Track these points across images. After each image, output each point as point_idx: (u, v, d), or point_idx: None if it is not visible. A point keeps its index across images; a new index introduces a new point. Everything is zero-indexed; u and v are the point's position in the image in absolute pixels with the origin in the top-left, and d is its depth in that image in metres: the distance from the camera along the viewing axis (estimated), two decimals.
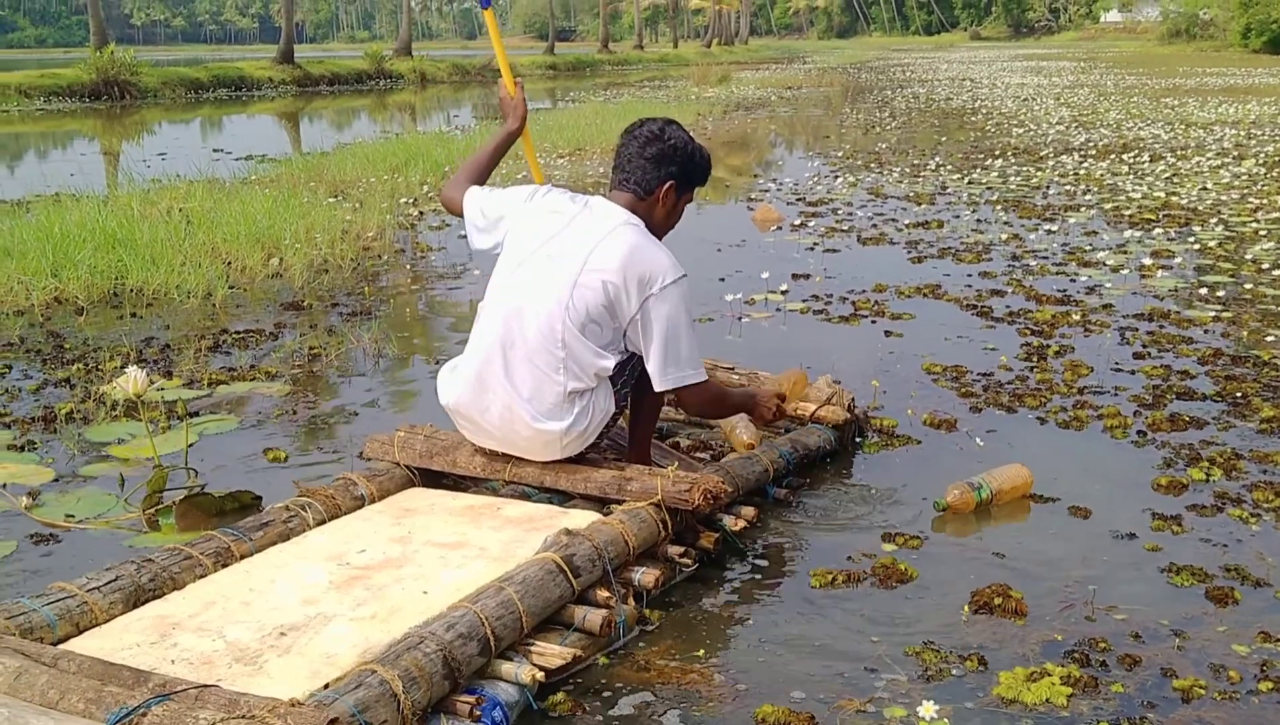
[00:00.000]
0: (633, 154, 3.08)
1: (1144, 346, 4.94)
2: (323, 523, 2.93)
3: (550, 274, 2.94)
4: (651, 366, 2.98)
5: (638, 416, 3.22)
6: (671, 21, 77.55)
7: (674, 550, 2.88)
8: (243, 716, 1.91)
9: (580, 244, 2.95)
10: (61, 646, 2.26)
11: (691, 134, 3.18)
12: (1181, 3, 66.86)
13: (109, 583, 2.45)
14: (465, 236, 7.64)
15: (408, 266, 7.01)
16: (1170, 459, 3.65)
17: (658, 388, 3.00)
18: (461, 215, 3.30)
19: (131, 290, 6.04)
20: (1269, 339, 5.00)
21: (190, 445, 3.80)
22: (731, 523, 3.07)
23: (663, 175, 3.07)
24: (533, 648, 2.41)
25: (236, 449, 3.87)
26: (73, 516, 3.29)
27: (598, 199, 3.07)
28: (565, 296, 2.91)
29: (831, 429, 3.74)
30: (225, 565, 2.67)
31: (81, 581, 2.44)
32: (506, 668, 2.32)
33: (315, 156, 12.09)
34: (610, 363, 2.98)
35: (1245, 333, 5.15)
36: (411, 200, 9.33)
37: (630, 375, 3.08)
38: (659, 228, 3.11)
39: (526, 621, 2.40)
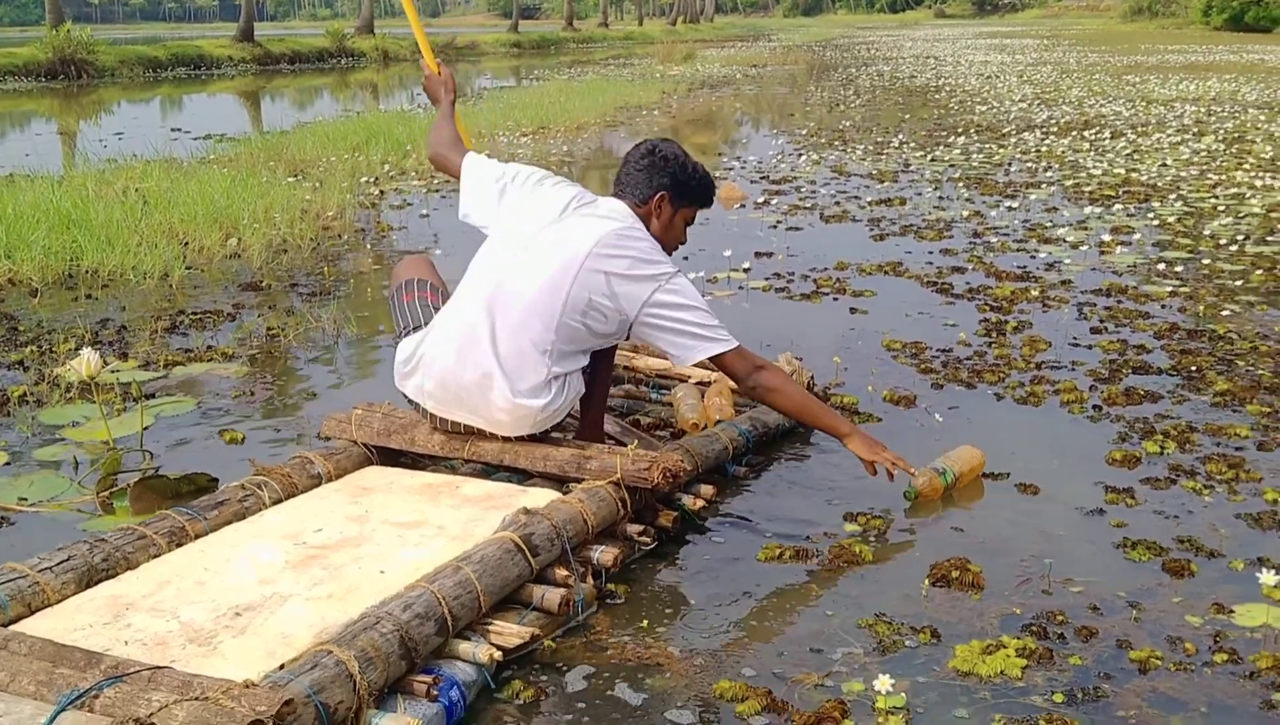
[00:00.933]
0: (629, 168, 3.17)
1: (1101, 322, 4.98)
2: (279, 502, 2.90)
3: (552, 259, 2.95)
4: (675, 355, 3.04)
5: (590, 395, 3.21)
6: None
7: (633, 529, 2.87)
8: (196, 698, 1.89)
9: (586, 235, 2.97)
10: (12, 628, 2.23)
11: (687, 152, 3.22)
12: None
13: (61, 563, 2.42)
14: (427, 216, 7.68)
15: (368, 246, 6.96)
16: (1125, 433, 3.68)
17: (684, 365, 3.09)
18: (454, 175, 3.37)
19: (87, 271, 5.96)
20: (1225, 313, 5.06)
21: (146, 427, 3.76)
22: (690, 502, 3.06)
23: (655, 186, 3.12)
24: (491, 627, 2.40)
25: (193, 431, 3.83)
26: (25, 499, 3.25)
27: (605, 197, 3.14)
28: (567, 283, 2.93)
29: None
30: (179, 544, 2.64)
31: (33, 561, 2.41)
32: (464, 647, 2.31)
33: (275, 136, 11.97)
34: (602, 347, 3.06)
35: (1202, 307, 5.19)
36: (372, 179, 9.25)
37: (594, 357, 3.11)
38: (658, 242, 3.13)
39: (484, 601, 2.38)
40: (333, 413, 3.31)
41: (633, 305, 2.96)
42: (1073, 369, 4.33)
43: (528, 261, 2.98)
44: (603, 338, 3.04)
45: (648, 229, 3.11)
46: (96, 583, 2.45)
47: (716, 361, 3.03)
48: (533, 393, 2.94)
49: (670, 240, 3.19)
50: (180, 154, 10.46)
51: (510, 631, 2.39)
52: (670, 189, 3.13)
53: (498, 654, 2.32)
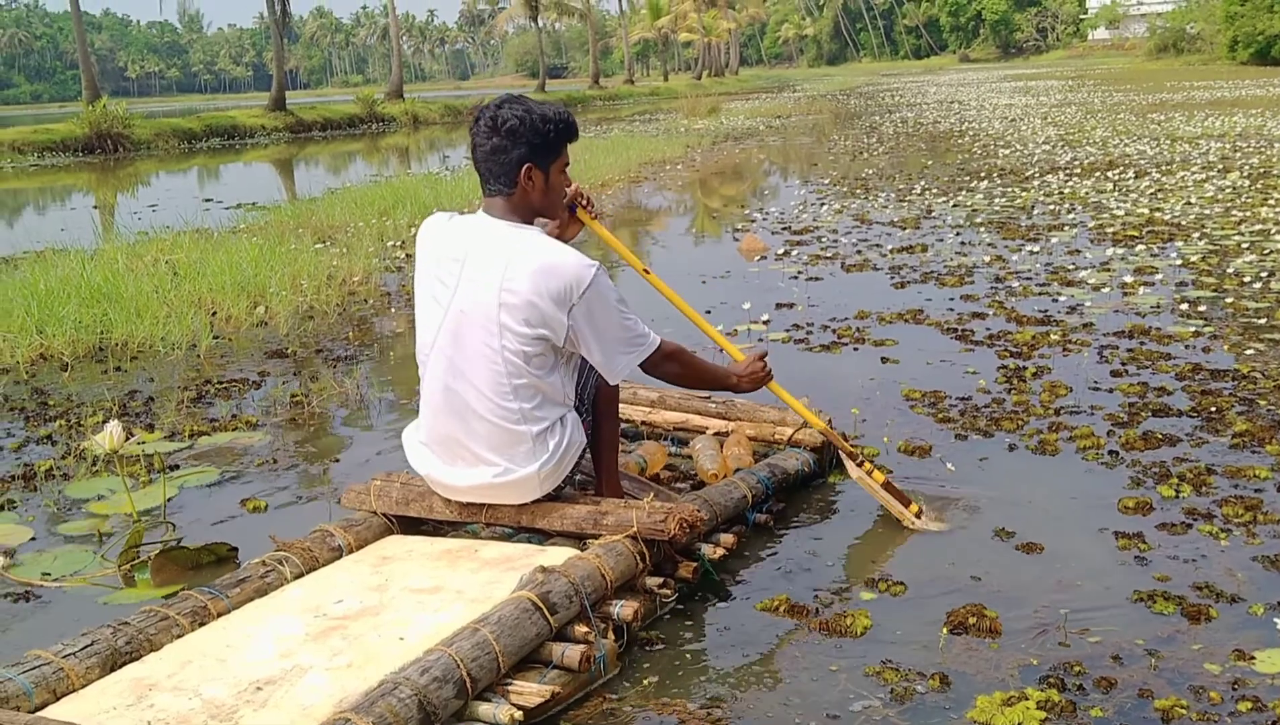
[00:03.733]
0: (480, 155, 2.93)
1: (1123, 364, 4.95)
2: (300, 576, 2.92)
3: (471, 326, 2.88)
4: (600, 366, 2.95)
5: (597, 449, 3.21)
6: (661, 55, 78.09)
7: (653, 582, 2.89)
8: None
9: (485, 286, 2.85)
10: (38, 714, 2.26)
11: (528, 102, 2.94)
12: (1168, 18, 67.30)
13: (85, 648, 2.45)
14: None
15: (393, 310, 7.03)
16: (1139, 478, 3.65)
17: (613, 380, 2.99)
18: None
19: (116, 344, 6.06)
20: (1248, 352, 5.01)
21: (169, 499, 3.81)
22: (710, 551, 3.08)
23: (515, 161, 2.89)
24: (511, 687, 2.41)
25: (216, 501, 3.88)
26: (49, 575, 3.29)
27: (481, 223, 2.93)
28: (496, 344, 2.86)
29: (810, 452, 3.75)
30: (202, 624, 2.66)
31: (57, 648, 2.43)
32: (484, 709, 2.33)
33: (304, 203, 12.17)
34: (570, 384, 3.00)
35: (1226, 347, 5.15)
36: (399, 243, 9.36)
37: (591, 401, 3.11)
38: (543, 209, 3.00)
39: (504, 661, 2.40)
40: (352, 484, 3.34)
41: (558, 333, 2.86)
42: (1091, 414, 4.30)
43: (450, 342, 2.92)
44: (554, 370, 2.95)
45: (529, 205, 2.94)
46: (120, 665, 2.47)
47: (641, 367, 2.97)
48: (526, 460, 2.95)
49: (554, 201, 3.02)
50: (211, 224, 10.65)
51: (530, 691, 2.41)
52: (530, 157, 2.89)
53: (518, 714, 2.33)
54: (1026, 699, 2.40)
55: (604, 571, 2.73)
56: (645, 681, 2.60)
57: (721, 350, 3.51)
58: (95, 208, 15.24)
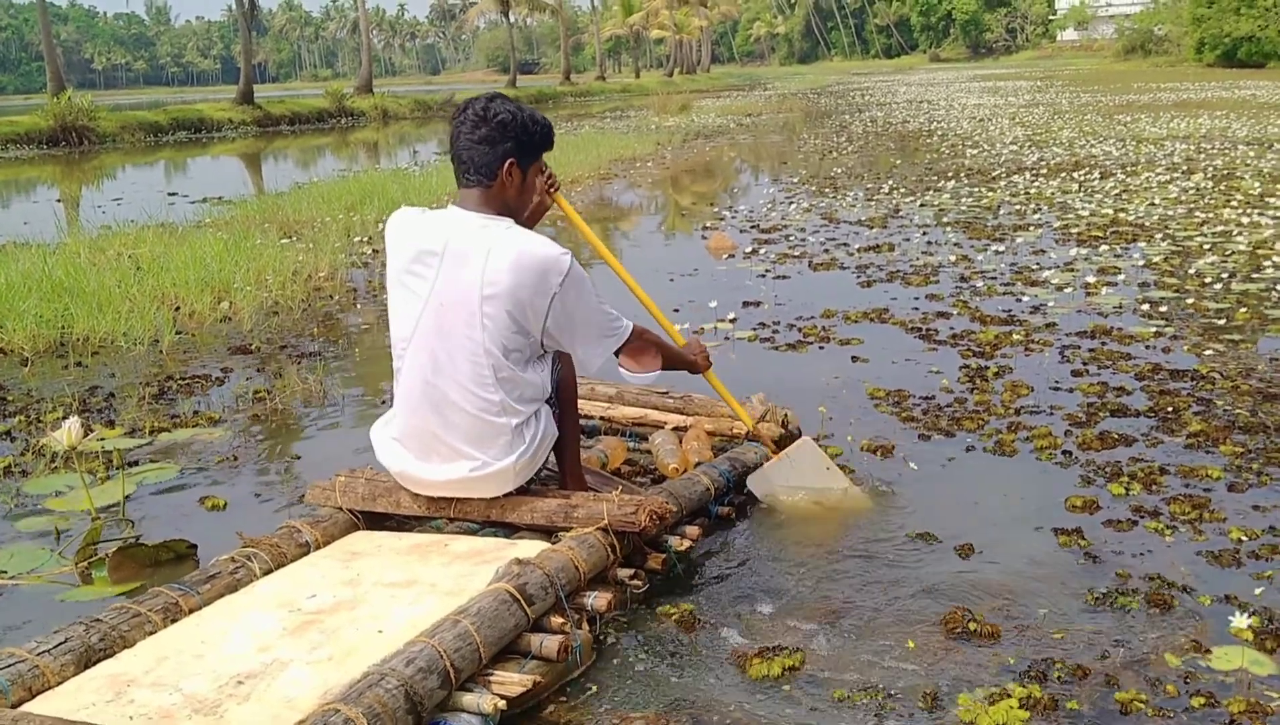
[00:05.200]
0: (465, 143, 2.95)
1: (1084, 364, 4.99)
2: (269, 572, 2.92)
3: (452, 319, 2.89)
4: (580, 353, 3.02)
5: (561, 443, 3.22)
6: (633, 52, 78.07)
7: (624, 573, 2.92)
8: None
9: (467, 278, 2.86)
10: (18, 710, 2.24)
11: (519, 102, 3.01)
12: (1136, 19, 67.93)
13: (58, 645, 2.43)
14: None
15: (359, 306, 7.00)
16: (1089, 477, 3.68)
17: (590, 370, 3.05)
18: None
19: (77, 339, 6.00)
20: (1208, 353, 5.06)
21: (128, 495, 3.78)
22: (677, 543, 3.11)
23: (500, 155, 2.93)
24: (492, 677, 2.43)
25: (176, 498, 3.85)
26: (4, 572, 3.26)
27: (455, 216, 2.94)
28: (478, 336, 2.88)
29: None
30: (174, 620, 2.65)
31: (30, 645, 2.42)
32: (468, 699, 2.35)
33: (270, 197, 12.08)
34: (545, 376, 3.02)
35: (1186, 347, 5.20)
36: (365, 238, 9.32)
37: (556, 395, 3.12)
38: (515, 209, 3.01)
39: (484, 652, 2.42)
40: (316, 481, 3.33)
41: (535, 324, 2.90)
42: (1050, 414, 4.33)
43: (431, 331, 2.92)
44: (533, 363, 2.98)
45: (505, 201, 2.96)
46: (95, 663, 2.45)
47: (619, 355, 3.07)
48: (504, 452, 2.96)
49: (527, 201, 3.06)
50: (176, 218, 10.57)
51: (512, 680, 2.43)
52: (516, 153, 2.94)
53: (501, 703, 2.35)
54: (1010, 696, 2.41)
55: (577, 563, 2.76)
56: (618, 685, 2.59)
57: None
58: (59, 201, 15.09)
